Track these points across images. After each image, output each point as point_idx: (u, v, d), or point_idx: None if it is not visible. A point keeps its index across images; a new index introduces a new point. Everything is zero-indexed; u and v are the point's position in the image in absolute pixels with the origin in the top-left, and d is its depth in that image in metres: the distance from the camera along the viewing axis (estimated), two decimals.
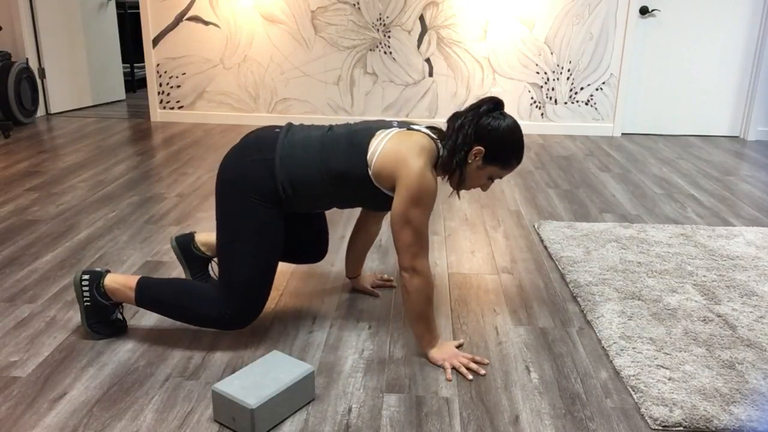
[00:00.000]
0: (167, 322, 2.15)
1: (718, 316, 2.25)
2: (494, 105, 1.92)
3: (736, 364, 1.95)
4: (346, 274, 2.45)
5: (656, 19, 5.12)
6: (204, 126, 5.39)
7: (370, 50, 5.27)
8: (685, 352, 2.01)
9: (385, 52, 5.26)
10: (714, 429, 1.66)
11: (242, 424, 1.60)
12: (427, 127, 1.98)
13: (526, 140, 5.08)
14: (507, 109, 5.33)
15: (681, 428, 1.67)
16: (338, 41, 5.26)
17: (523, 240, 2.97)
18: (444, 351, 1.96)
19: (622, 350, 2.01)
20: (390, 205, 1.96)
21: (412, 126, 1.96)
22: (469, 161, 1.92)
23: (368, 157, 1.88)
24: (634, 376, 1.88)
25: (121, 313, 2.09)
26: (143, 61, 7.06)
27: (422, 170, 1.82)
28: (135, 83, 7.20)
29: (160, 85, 5.48)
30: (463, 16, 5.16)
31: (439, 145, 1.94)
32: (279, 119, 5.46)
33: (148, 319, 2.17)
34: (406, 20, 5.19)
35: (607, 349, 2.03)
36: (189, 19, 5.30)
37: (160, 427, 1.64)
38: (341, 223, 3.16)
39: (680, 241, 2.93)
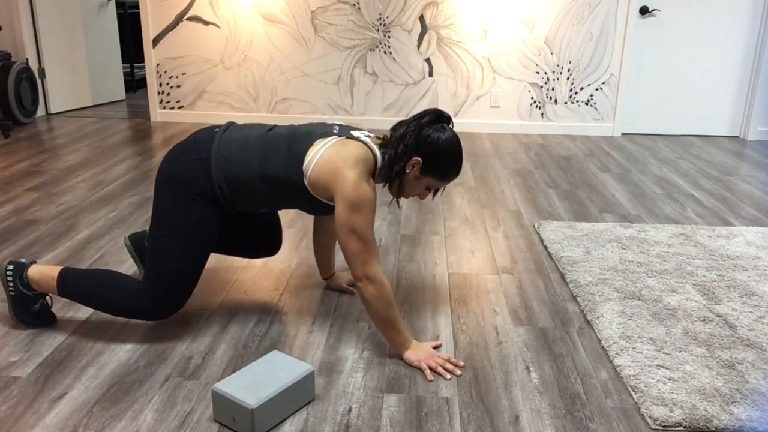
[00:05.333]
0: (167, 321, 2.15)
1: (718, 316, 2.25)
2: (437, 116, 1.94)
3: (736, 364, 1.95)
4: (321, 276, 2.47)
5: (656, 19, 5.12)
6: (204, 126, 5.38)
7: (370, 50, 5.27)
8: (685, 352, 2.01)
9: (385, 52, 5.26)
10: (714, 429, 1.67)
11: (242, 424, 1.60)
12: (370, 134, 2.00)
13: (526, 140, 5.08)
14: (507, 109, 5.33)
15: (681, 428, 1.67)
16: (338, 41, 5.26)
17: (523, 240, 2.97)
18: (419, 352, 1.95)
19: (622, 350, 2.01)
20: (325, 210, 1.98)
21: (352, 133, 1.97)
22: (407, 171, 1.95)
23: (304, 167, 1.89)
24: (634, 376, 1.88)
25: (47, 306, 2.11)
26: (143, 61, 7.06)
27: (357, 181, 1.84)
28: (135, 83, 7.20)
29: (160, 85, 5.48)
30: (463, 16, 5.16)
31: (377, 153, 1.95)
32: (279, 119, 5.46)
33: None
34: (406, 20, 5.19)
35: (607, 349, 2.03)
36: (189, 19, 5.30)
37: (160, 427, 1.64)
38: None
39: (680, 241, 2.93)
